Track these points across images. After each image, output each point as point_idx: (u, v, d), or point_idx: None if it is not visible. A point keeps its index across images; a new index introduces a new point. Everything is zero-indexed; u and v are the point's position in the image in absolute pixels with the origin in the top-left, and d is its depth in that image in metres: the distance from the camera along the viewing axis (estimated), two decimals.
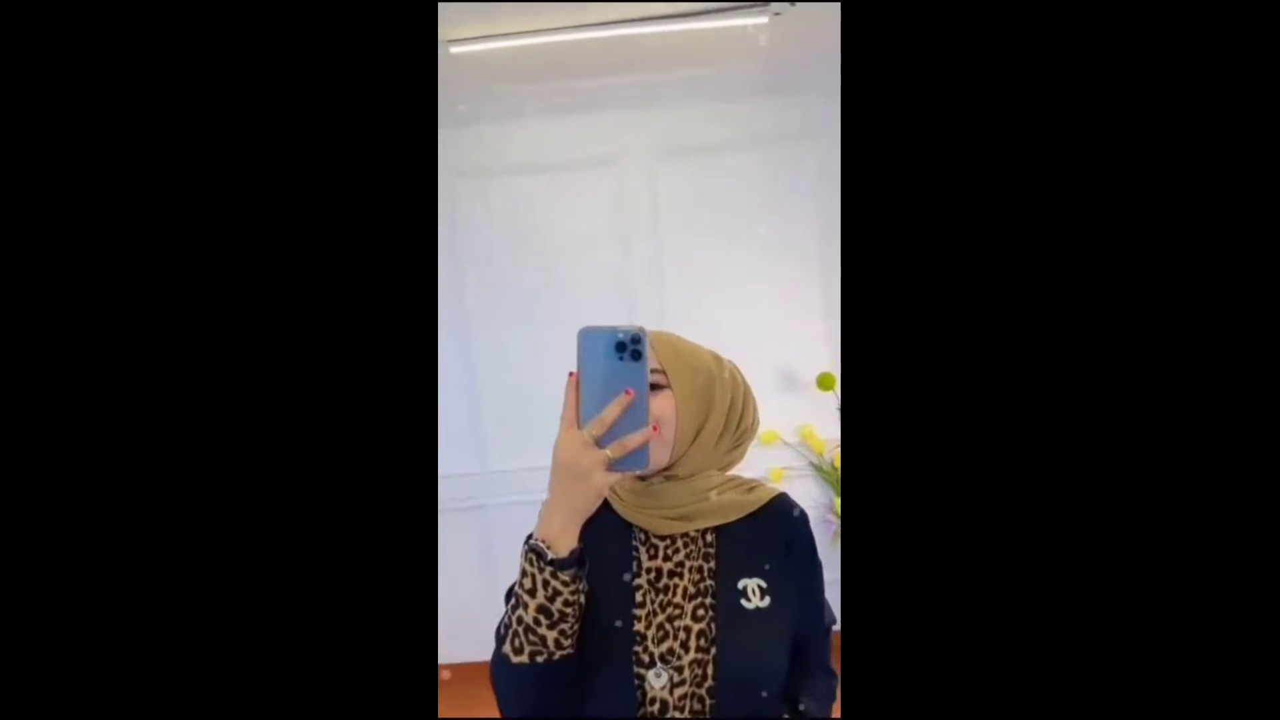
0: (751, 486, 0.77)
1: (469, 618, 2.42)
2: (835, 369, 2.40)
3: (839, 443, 2.41)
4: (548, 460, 0.63)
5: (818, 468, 2.51)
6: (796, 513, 0.77)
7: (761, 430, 0.91)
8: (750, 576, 0.71)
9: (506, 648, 0.64)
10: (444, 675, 2.51)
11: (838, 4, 0.56)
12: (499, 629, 0.66)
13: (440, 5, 0.63)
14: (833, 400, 2.40)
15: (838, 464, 2.44)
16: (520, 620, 0.63)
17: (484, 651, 1.12)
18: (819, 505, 2.51)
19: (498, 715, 0.70)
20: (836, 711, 0.73)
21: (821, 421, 2.45)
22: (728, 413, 0.74)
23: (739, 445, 0.78)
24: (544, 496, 0.64)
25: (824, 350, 2.48)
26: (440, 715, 0.64)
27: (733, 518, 0.73)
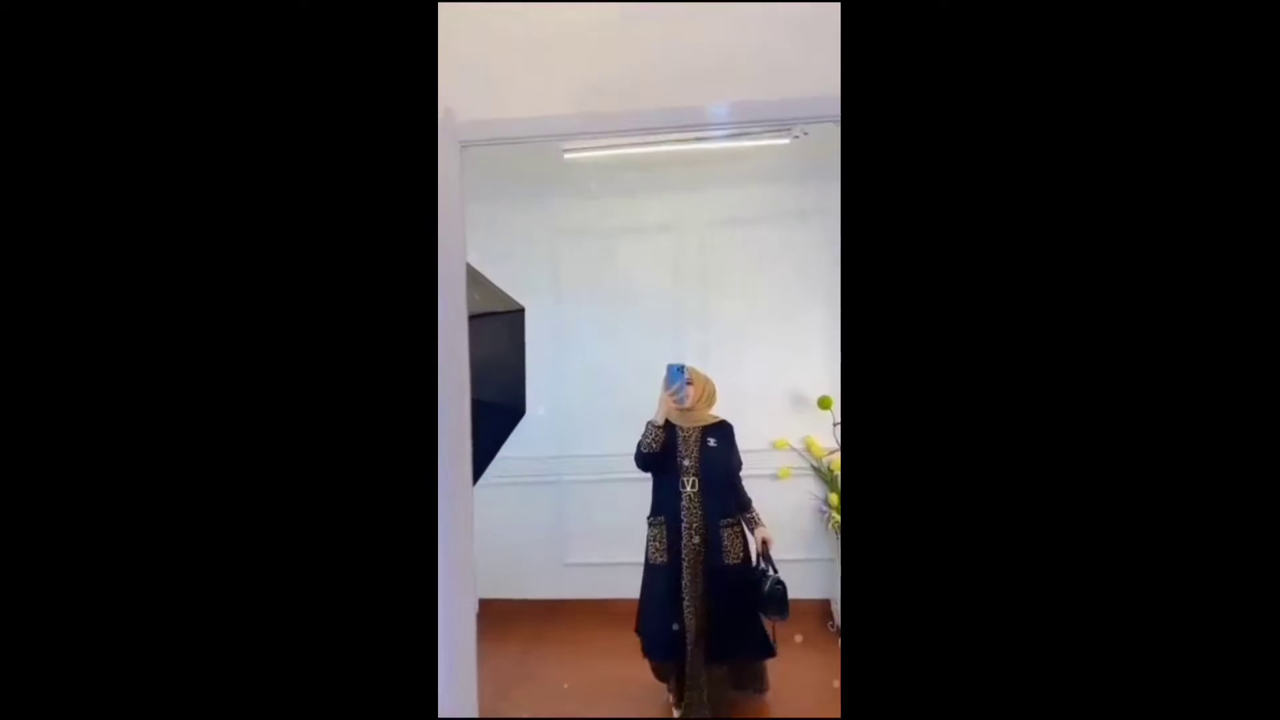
0: (716, 418, 2.42)
1: (538, 562, 3.32)
2: (834, 394, 3.14)
3: (834, 450, 3.15)
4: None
5: (817, 469, 3.24)
6: (726, 425, 2.41)
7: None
8: (711, 438, 2.38)
9: (642, 447, 2.37)
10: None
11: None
12: (639, 444, 2.37)
13: (442, 6, 0.64)
14: (830, 418, 3.13)
15: (834, 468, 3.16)
16: (644, 441, 2.36)
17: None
18: (816, 498, 3.25)
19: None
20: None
21: (821, 434, 3.20)
22: (706, 392, 2.42)
23: (710, 404, 2.43)
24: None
25: (825, 379, 3.23)
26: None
27: (707, 424, 2.40)
